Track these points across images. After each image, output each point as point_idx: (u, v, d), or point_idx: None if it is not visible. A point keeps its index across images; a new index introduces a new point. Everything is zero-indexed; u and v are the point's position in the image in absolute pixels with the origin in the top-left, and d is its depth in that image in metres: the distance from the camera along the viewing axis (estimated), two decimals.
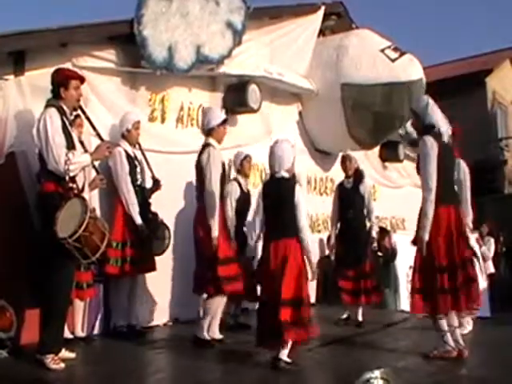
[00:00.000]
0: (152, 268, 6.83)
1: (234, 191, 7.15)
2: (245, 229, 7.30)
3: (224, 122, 6.54)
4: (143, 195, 6.78)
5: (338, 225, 8.08)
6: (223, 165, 6.45)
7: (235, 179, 7.40)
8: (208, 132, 6.47)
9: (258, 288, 5.94)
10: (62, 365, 5.15)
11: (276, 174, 5.52)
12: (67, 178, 5.16)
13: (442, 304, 5.51)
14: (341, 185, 8.25)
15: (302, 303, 5.27)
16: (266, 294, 5.43)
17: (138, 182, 6.75)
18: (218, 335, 6.42)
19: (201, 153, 6.39)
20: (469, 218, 6.57)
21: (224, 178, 6.52)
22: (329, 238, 8.27)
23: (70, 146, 5.27)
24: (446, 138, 5.70)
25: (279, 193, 5.47)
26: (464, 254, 5.64)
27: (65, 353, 5.37)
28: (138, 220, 6.55)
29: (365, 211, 7.93)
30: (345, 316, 7.90)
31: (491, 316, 11.33)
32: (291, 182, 5.52)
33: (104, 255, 5.46)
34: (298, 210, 5.39)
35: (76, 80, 5.48)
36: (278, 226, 5.45)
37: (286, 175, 5.52)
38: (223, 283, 6.12)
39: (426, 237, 5.57)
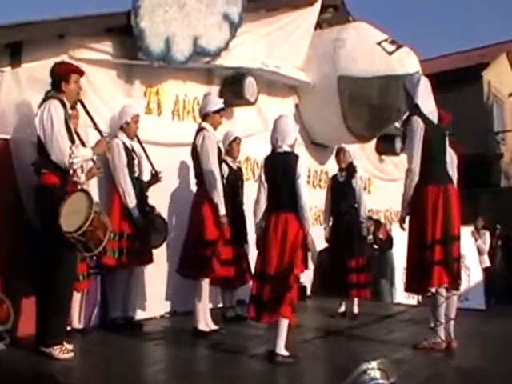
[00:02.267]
0: (149, 260, 6.84)
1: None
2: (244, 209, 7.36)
3: (220, 110, 6.64)
4: (140, 188, 6.79)
5: (331, 218, 8.13)
6: (219, 149, 6.56)
7: (223, 160, 7.12)
8: (203, 117, 6.61)
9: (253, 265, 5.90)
10: (72, 354, 5.20)
11: (278, 148, 5.54)
12: (71, 171, 5.22)
13: (434, 277, 5.57)
14: (334, 177, 8.30)
15: (291, 281, 5.26)
16: (264, 268, 5.38)
17: (136, 175, 6.76)
18: (212, 325, 6.44)
19: (196, 137, 6.48)
20: None
21: (220, 162, 6.61)
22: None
23: (70, 139, 5.29)
24: (433, 119, 5.77)
25: (281, 166, 5.48)
26: (453, 231, 5.68)
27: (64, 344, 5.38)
28: (135, 212, 6.56)
29: (356, 205, 7.97)
30: (342, 310, 7.90)
31: (486, 308, 11.40)
32: (293, 155, 5.54)
33: (104, 248, 5.50)
34: (298, 183, 5.40)
35: (76, 74, 5.52)
36: (279, 199, 5.46)
37: (288, 149, 5.55)
38: (212, 265, 6.28)
39: (403, 213, 5.76)
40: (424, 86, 5.90)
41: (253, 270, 5.80)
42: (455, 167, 6.65)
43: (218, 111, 6.61)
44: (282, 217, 5.39)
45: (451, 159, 6.55)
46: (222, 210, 6.26)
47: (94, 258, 6.01)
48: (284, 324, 5.23)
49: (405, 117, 6.27)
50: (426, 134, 5.62)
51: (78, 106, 5.79)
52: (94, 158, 5.83)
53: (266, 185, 5.54)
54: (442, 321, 5.69)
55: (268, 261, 5.34)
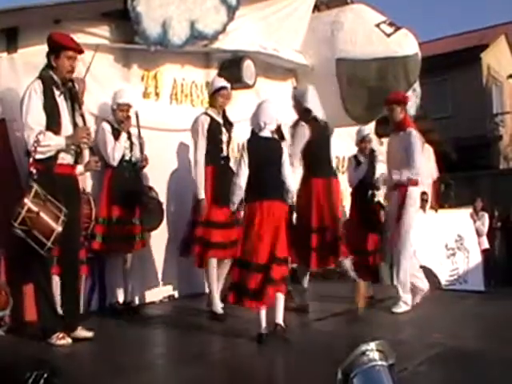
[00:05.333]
0: (142, 245, 6.89)
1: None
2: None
3: (219, 89, 6.64)
4: (134, 170, 6.79)
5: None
6: (213, 128, 6.49)
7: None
8: (209, 98, 6.82)
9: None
10: (69, 340, 5.20)
11: (260, 132, 5.61)
12: (31, 159, 5.02)
13: (310, 260, 6.41)
14: (358, 162, 7.99)
15: (287, 262, 5.56)
16: (254, 253, 5.38)
17: (127, 158, 6.75)
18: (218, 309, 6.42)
19: None
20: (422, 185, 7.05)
21: (216, 141, 6.53)
22: None
23: (55, 120, 5.17)
24: (322, 120, 6.44)
25: (268, 152, 5.56)
26: (333, 219, 6.41)
27: (81, 331, 5.38)
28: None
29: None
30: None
31: (485, 290, 11.44)
32: (279, 142, 5.69)
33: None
34: (288, 169, 5.62)
35: (70, 50, 5.26)
36: (268, 186, 5.49)
37: (270, 135, 5.64)
38: (208, 247, 6.38)
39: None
40: (312, 94, 6.50)
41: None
42: (414, 149, 6.69)
43: (217, 91, 6.63)
44: (275, 204, 5.46)
45: (411, 141, 6.65)
46: (200, 195, 6.37)
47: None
48: (282, 298, 5.43)
49: (295, 120, 6.63)
50: (313, 136, 6.13)
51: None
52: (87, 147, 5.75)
53: (247, 169, 5.54)
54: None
55: (258, 248, 5.35)
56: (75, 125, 5.37)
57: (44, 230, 4.91)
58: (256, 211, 5.42)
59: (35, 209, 4.88)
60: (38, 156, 5.03)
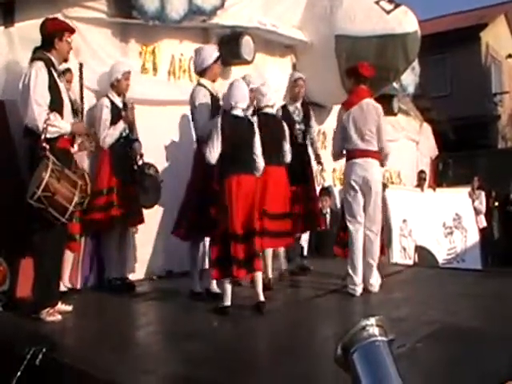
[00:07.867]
0: (140, 220, 6.85)
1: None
2: None
3: (217, 59, 6.45)
4: (129, 146, 6.73)
5: None
6: (213, 101, 6.26)
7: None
8: (202, 72, 6.42)
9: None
10: (59, 316, 5.20)
11: (232, 110, 5.74)
12: (42, 136, 5.02)
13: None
14: None
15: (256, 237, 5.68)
16: (239, 226, 5.52)
17: (124, 134, 6.67)
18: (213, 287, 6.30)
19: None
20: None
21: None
22: None
23: (58, 100, 5.21)
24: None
25: (241, 131, 5.73)
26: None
27: (61, 306, 5.39)
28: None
29: None
30: None
31: (483, 269, 11.46)
32: (250, 121, 5.89)
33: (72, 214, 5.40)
34: (259, 149, 5.80)
35: (69, 32, 5.45)
36: (241, 162, 5.70)
37: (245, 114, 5.88)
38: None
39: None
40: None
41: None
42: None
43: (215, 61, 6.39)
44: (251, 178, 5.71)
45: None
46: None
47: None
48: (260, 275, 5.72)
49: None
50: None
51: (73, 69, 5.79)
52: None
53: (219, 147, 5.60)
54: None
55: (236, 221, 5.51)
56: (72, 105, 5.50)
57: (65, 196, 4.99)
58: (232, 186, 5.54)
59: (57, 174, 4.95)
60: (49, 135, 5.06)
